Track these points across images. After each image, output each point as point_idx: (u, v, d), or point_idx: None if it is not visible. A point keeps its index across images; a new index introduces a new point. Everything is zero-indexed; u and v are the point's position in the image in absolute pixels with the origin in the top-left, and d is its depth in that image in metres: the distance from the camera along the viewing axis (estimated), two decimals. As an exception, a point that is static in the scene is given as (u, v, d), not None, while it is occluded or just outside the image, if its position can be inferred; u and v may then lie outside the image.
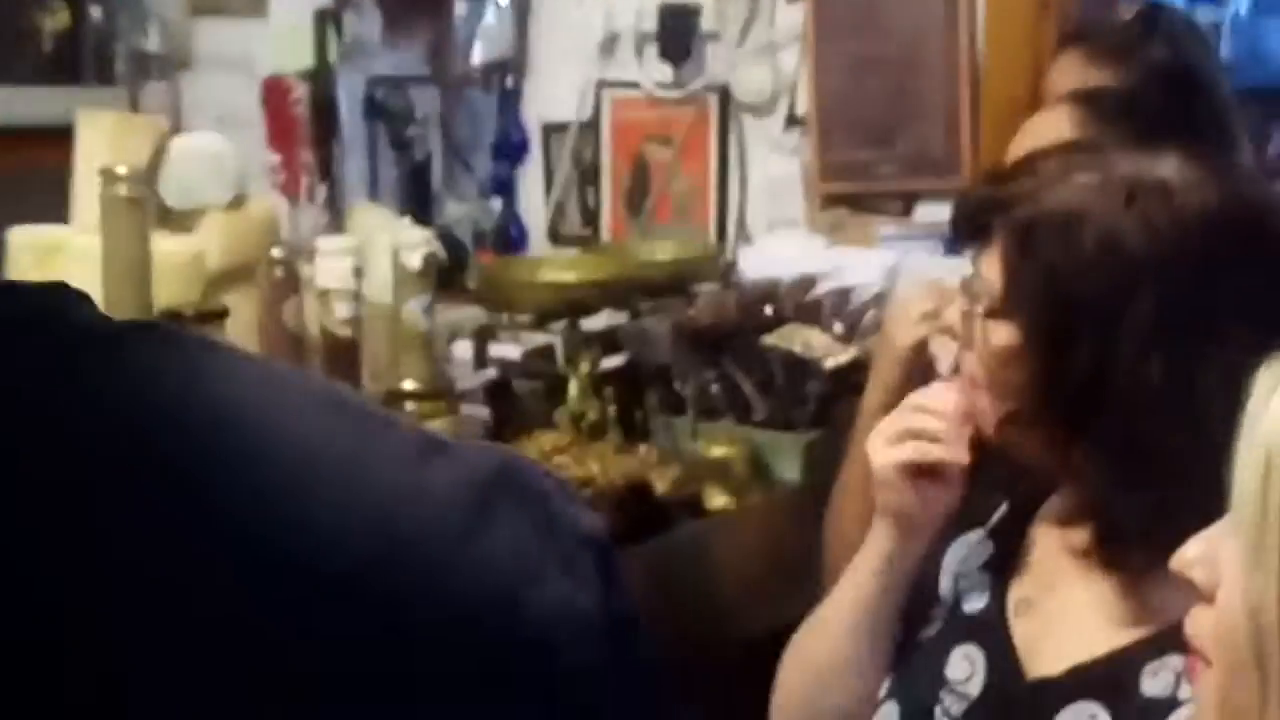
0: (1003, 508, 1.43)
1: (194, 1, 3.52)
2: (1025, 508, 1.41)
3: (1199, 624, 0.93)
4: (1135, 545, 1.21)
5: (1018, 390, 1.27)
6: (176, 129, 2.63)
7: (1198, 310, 1.20)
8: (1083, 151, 1.30)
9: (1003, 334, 1.27)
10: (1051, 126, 1.73)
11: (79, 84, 3.31)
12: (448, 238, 3.12)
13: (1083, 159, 1.28)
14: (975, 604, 1.37)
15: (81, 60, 3.34)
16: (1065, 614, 1.31)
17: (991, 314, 1.28)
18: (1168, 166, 1.24)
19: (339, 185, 3.38)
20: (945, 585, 1.41)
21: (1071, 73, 2.11)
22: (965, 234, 1.34)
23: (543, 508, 0.62)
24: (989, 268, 1.29)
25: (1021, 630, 1.33)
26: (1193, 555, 0.93)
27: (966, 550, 1.42)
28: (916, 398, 1.40)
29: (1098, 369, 1.21)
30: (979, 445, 1.78)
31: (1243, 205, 1.25)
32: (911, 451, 1.36)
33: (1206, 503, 0.93)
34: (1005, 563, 1.38)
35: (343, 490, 0.57)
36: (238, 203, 2.14)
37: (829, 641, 1.45)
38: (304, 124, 3.40)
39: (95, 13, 3.39)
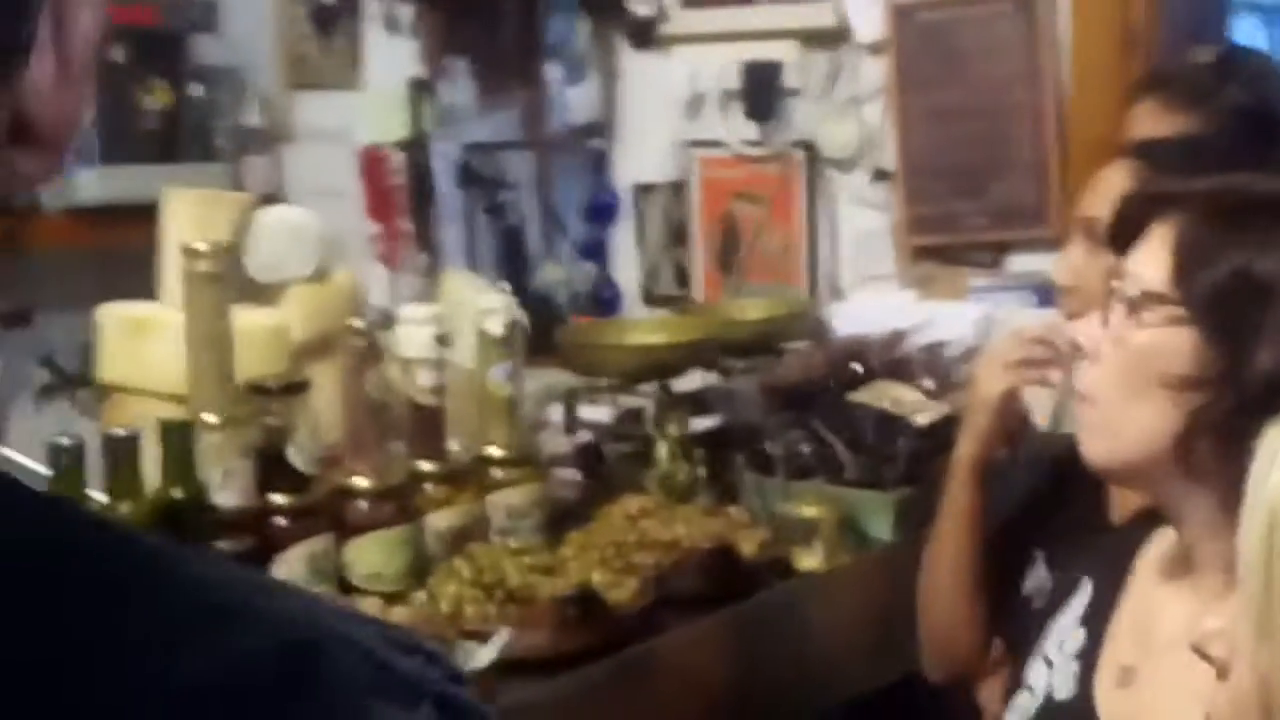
0: (1088, 588, 1.40)
1: (292, 76, 3.58)
2: (1112, 581, 1.39)
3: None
4: None
5: (1182, 394, 1.24)
6: (277, 201, 2.68)
7: None
8: None
9: (1169, 332, 1.25)
10: (1118, 180, 1.70)
11: (181, 161, 3.38)
12: (542, 301, 3.15)
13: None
14: (1064, 692, 1.36)
15: (183, 137, 3.41)
16: (1163, 689, 1.29)
17: (1154, 312, 1.26)
18: None
19: (437, 252, 3.42)
20: (1038, 672, 1.40)
21: (1148, 120, 2.08)
22: (1125, 233, 1.32)
23: (347, 705, 0.53)
24: (1149, 266, 1.26)
25: (1114, 711, 1.30)
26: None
27: (1061, 638, 1.41)
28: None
29: None
30: (1051, 521, 1.77)
31: None
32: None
33: None
34: (1095, 649, 1.36)
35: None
36: (321, 274, 2.16)
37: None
38: (401, 193, 3.44)
39: (196, 90, 3.47)
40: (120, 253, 2.44)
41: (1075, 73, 2.54)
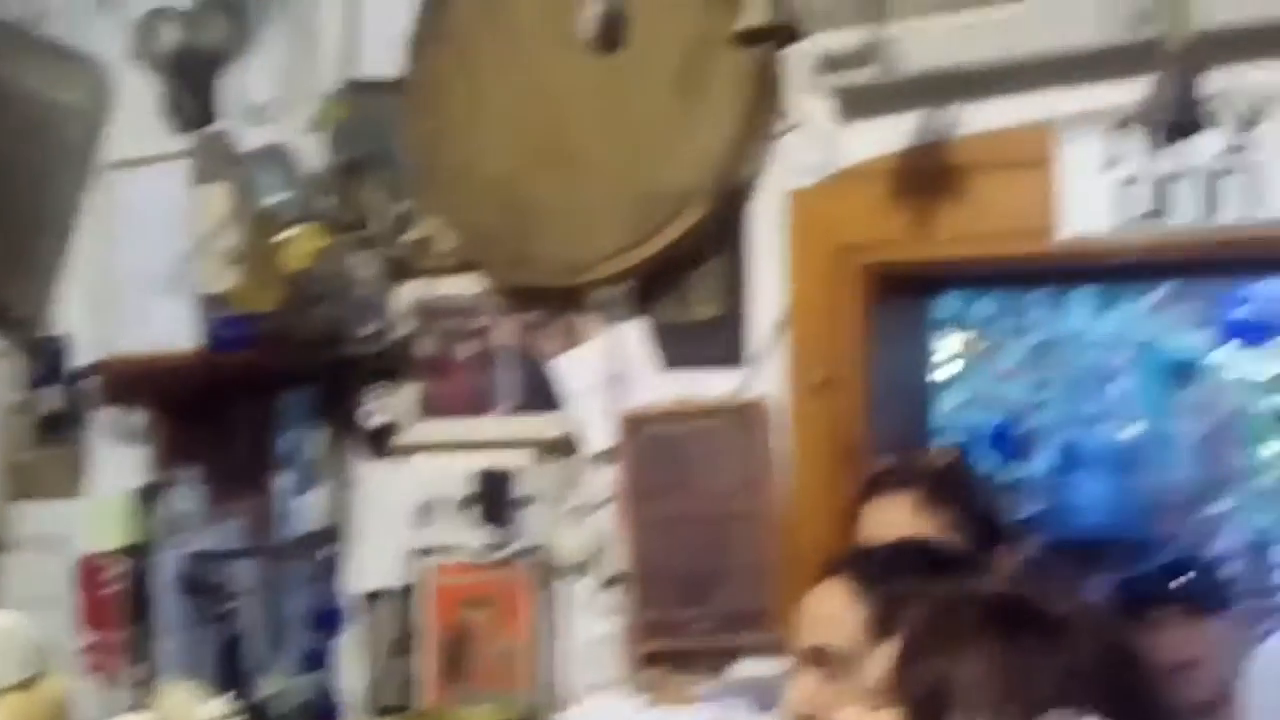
0: None
1: (12, 485, 3.51)
2: None
3: None
4: None
5: None
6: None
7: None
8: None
9: None
10: (837, 601, 1.76)
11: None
12: (264, 714, 3.05)
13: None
14: None
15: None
16: None
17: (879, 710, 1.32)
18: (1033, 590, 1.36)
19: (154, 663, 3.30)
20: None
21: (885, 518, 2.19)
22: (882, 629, 1.40)
23: None
24: (881, 662, 1.34)
25: None
26: None
27: None
28: None
29: None
30: None
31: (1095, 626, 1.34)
32: None
33: None
34: None
35: None
36: (29, 683, 2.08)
37: None
38: (119, 602, 3.35)
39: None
40: None
41: (797, 484, 2.65)
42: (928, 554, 1.82)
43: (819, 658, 1.75)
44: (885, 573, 1.72)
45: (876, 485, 2.30)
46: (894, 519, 2.19)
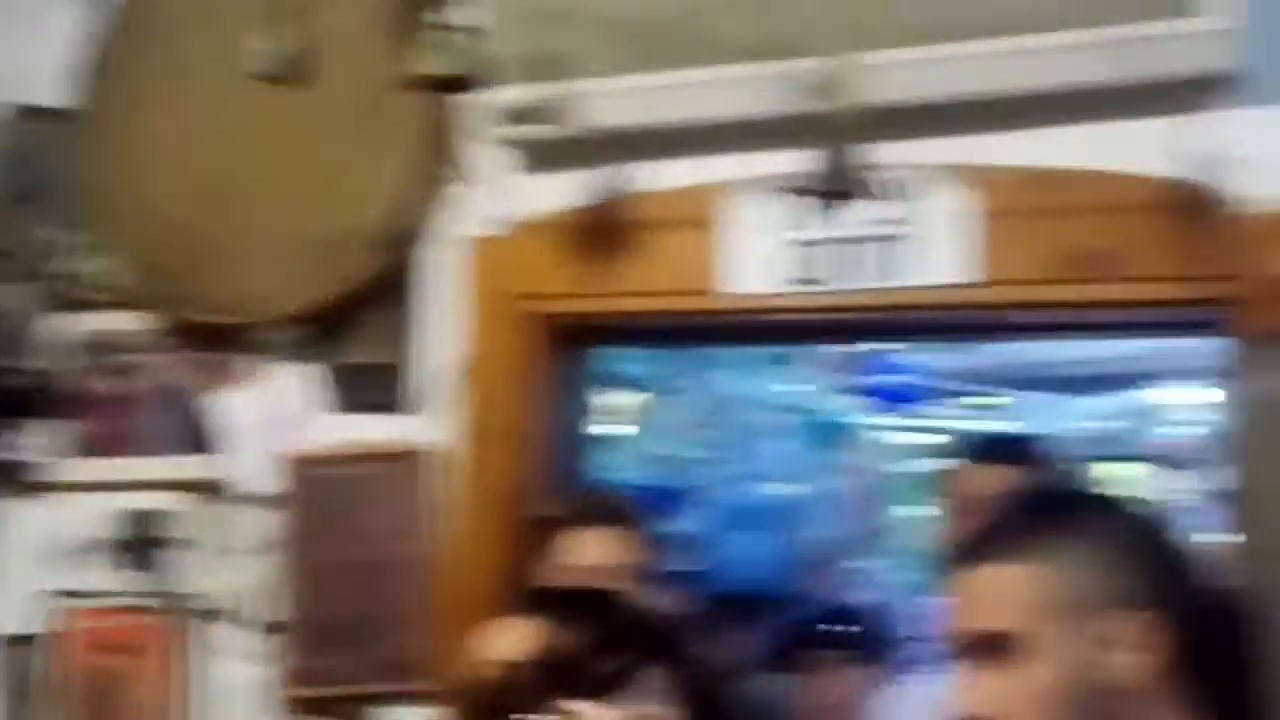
0: None
1: None
2: None
3: None
4: None
5: None
6: None
7: None
8: None
9: None
10: (512, 629, 1.77)
11: None
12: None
13: None
14: None
15: None
16: None
17: None
18: None
19: None
20: None
21: (594, 548, 2.27)
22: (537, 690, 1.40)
23: None
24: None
25: None
26: None
27: None
28: None
29: None
30: None
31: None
32: None
33: None
34: None
35: None
36: None
37: None
38: None
39: None
40: None
41: (460, 532, 2.64)
42: (599, 595, 1.86)
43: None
44: (565, 610, 1.75)
45: (572, 519, 2.35)
46: (600, 550, 2.28)
